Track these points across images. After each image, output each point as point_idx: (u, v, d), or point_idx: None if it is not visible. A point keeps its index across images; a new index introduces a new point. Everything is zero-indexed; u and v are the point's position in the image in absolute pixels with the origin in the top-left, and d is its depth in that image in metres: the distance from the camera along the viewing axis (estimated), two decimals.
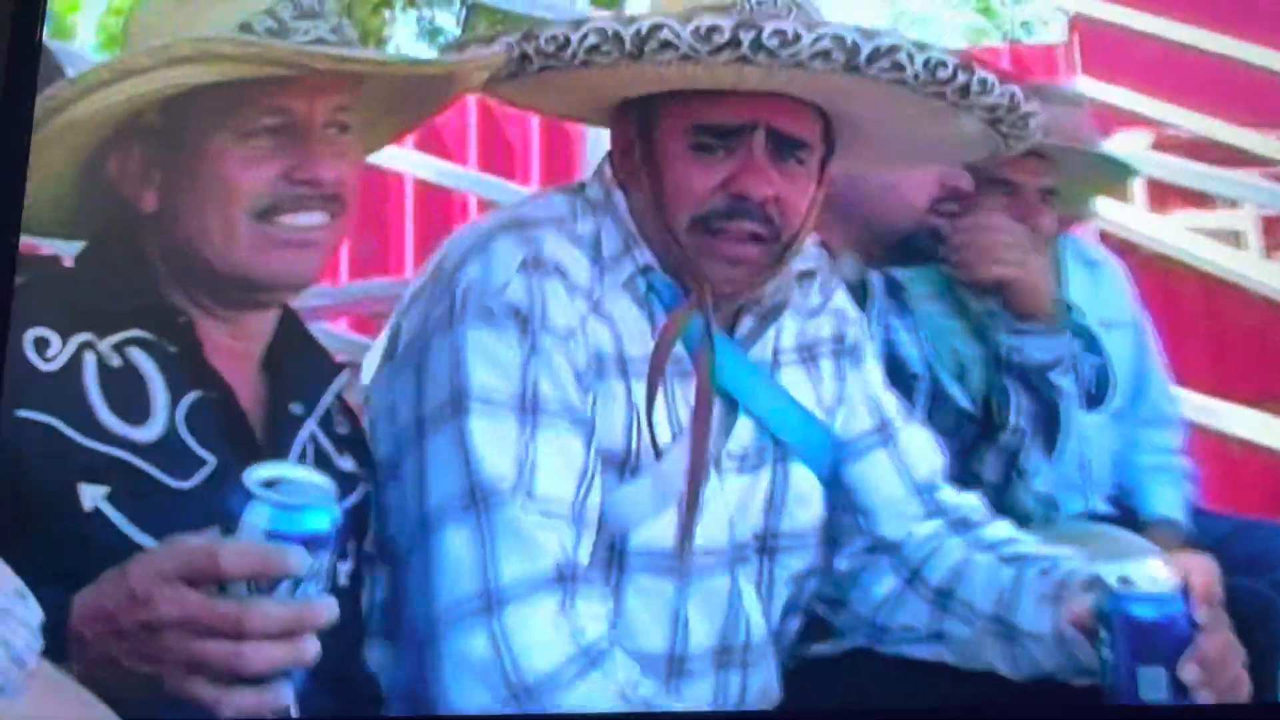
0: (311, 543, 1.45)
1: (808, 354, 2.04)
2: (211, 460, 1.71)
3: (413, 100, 1.94)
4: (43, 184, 1.81)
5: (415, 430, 1.83)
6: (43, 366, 1.69)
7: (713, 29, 1.76)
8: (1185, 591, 1.74)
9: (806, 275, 2.04)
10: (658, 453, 1.87)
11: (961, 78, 1.83)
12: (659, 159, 1.89)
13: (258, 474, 1.46)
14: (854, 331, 2.11)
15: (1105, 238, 2.89)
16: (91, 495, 1.65)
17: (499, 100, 2.05)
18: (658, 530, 1.88)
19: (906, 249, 2.42)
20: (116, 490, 1.66)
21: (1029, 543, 2.01)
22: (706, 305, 1.87)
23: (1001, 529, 2.05)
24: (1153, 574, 1.75)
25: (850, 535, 2.04)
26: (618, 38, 1.77)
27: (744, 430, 1.97)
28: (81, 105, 1.73)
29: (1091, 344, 2.57)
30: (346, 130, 1.82)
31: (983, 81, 1.85)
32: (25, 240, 1.94)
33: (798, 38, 1.76)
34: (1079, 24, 3.28)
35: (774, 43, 1.76)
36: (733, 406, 1.95)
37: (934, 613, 2.00)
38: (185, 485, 1.69)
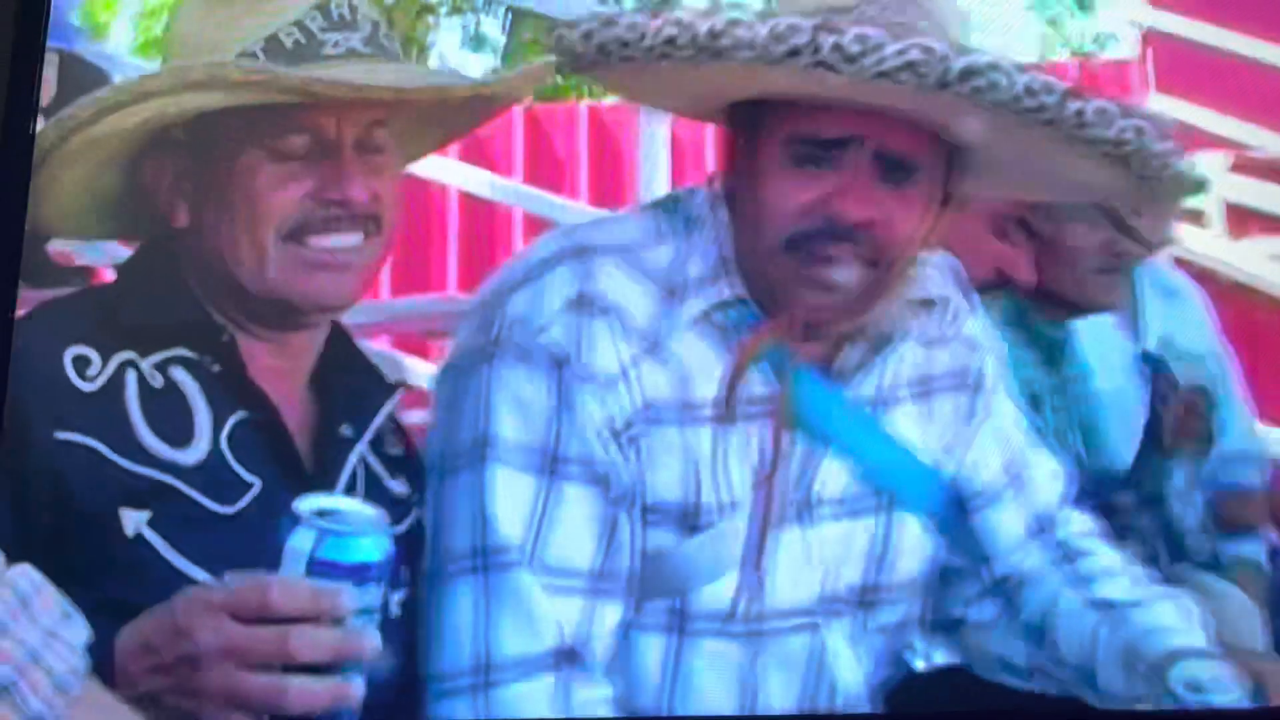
0: (359, 572, 1.42)
1: (921, 389, 1.92)
2: (257, 484, 1.69)
3: (455, 113, 1.90)
4: (74, 193, 1.79)
5: (439, 464, 1.79)
6: (83, 386, 1.67)
7: (791, 29, 1.65)
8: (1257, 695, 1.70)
9: (926, 304, 1.91)
10: (720, 504, 1.79)
11: (1073, 105, 1.68)
12: (758, 170, 1.79)
13: (307, 503, 1.43)
14: (987, 364, 1.99)
15: (1181, 264, 2.81)
16: (133, 520, 1.63)
17: (604, 87, 1.98)
18: (723, 590, 1.79)
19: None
20: (159, 515, 1.63)
21: (1120, 579, 1.95)
22: (790, 333, 1.78)
23: (1099, 561, 1.97)
24: (1223, 685, 1.73)
25: (970, 582, 1.97)
26: (693, 30, 1.68)
27: (838, 473, 1.86)
28: (100, 126, 1.71)
29: (1162, 367, 2.51)
30: (382, 146, 1.78)
31: (1101, 111, 1.69)
32: (61, 246, 1.93)
33: (880, 45, 1.64)
34: (1152, 39, 3.21)
35: (855, 49, 1.64)
36: (822, 447, 1.84)
37: (1029, 650, 1.93)
38: (230, 510, 1.66)
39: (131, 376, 1.69)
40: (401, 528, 1.77)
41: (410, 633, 1.78)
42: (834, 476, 1.85)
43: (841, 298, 1.77)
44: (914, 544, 1.90)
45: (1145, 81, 3.13)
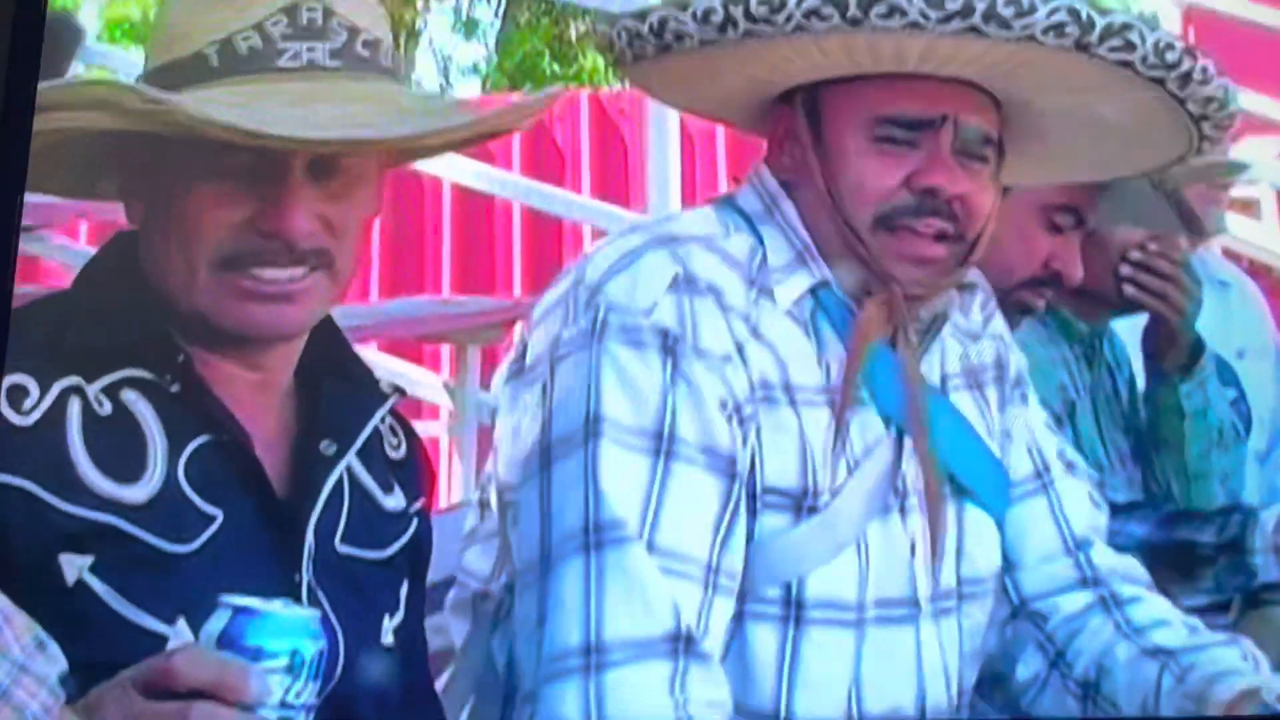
0: (277, 656, 1.32)
1: (973, 379, 1.95)
2: (218, 515, 1.59)
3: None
4: (53, 151, 1.69)
5: (540, 458, 1.75)
6: (17, 420, 1.57)
7: None
8: None
9: (968, 288, 1.94)
10: (832, 488, 1.79)
11: (1186, 63, 1.75)
12: (833, 152, 1.81)
13: (234, 598, 1.35)
14: (1016, 360, 2.02)
15: (1231, 257, 2.69)
16: (75, 567, 1.53)
17: (633, 85, 1.97)
18: (836, 577, 1.78)
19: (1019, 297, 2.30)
20: (103, 559, 1.53)
21: (1177, 627, 1.93)
22: (900, 310, 1.80)
23: (1151, 609, 1.95)
24: None
25: (998, 600, 1.94)
26: (842, 2, 1.70)
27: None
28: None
29: (1226, 375, 2.47)
30: (340, 170, 1.63)
31: (1204, 70, 1.77)
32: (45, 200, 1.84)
33: (1033, 8, 1.69)
34: (1194, 16, 3.13)
35: (1009, 12, 1.69)
36: (902, 434, 1.84)
37: (1081, 706, 1.90)
38: (186, 548, 1.57)
39: (75, 406, 1.58)
40: (399, 544, 1.72)
41: (407, 660, 1.72)
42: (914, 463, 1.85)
43: (934, 271, 1.81)
44: (988, 537, 1.91)
45: None
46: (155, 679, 1.30)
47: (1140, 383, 2.46)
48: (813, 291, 1.81)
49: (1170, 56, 1.74)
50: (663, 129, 3.07)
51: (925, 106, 1.79)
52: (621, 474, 1.69)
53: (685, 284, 1.75)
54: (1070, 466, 2.03)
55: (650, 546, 1.68)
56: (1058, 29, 1.69)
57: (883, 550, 1.80)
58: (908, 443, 1.82)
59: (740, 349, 1.76)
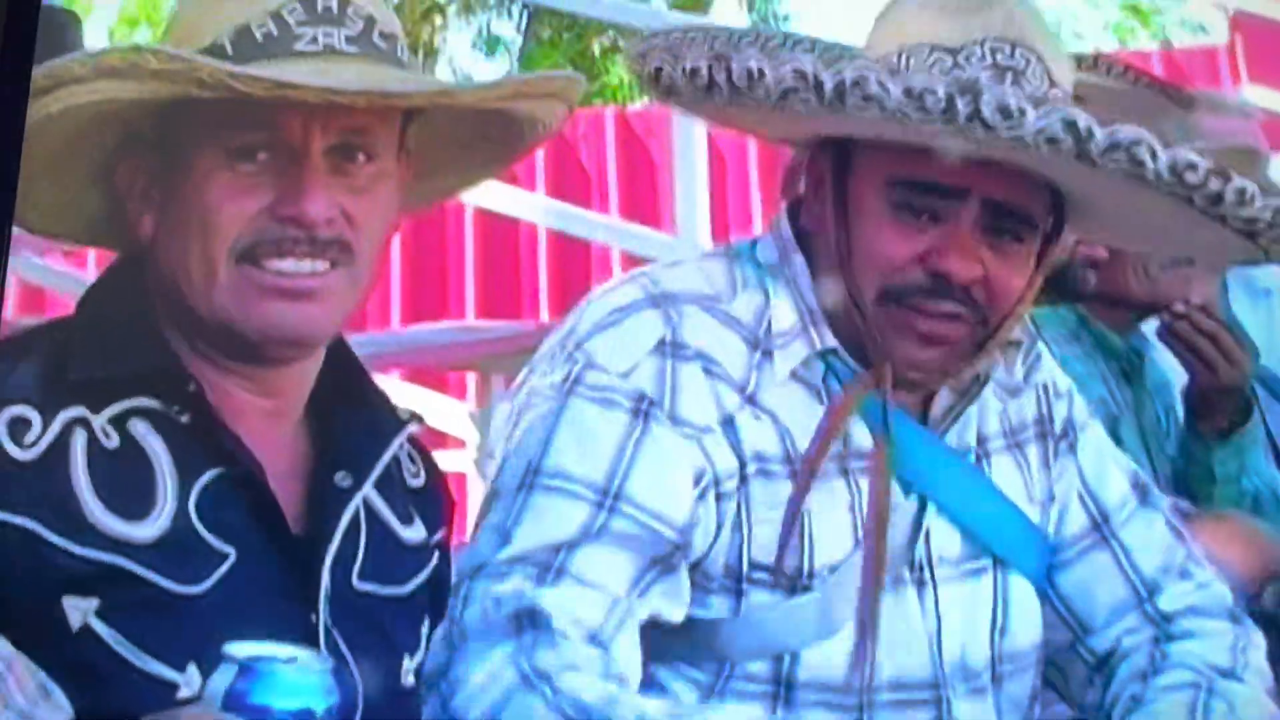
0: (278, 717, 1.30)
1: (1013, 439, 1.89)
2: (231, 553, 1.55)
3: (469, 131, 1.73)
4: (49, 183, 1.65)
5: (484, 502, 1.76)
6: (19, 455, 1.52)
7: (926, 92, 1.63)
8: None
9: (1011, 345, 1.88)
10: (829, 564, 1.75)
11: (1214, 185, 1.66)
12: (851, 210, 1.75)
13: (240, 646, 1.33)
14: (1063, 409, 1.94)
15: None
16: (79, 610, 1.49)
17: (694, 115, 1.95)
18: (833, 658, 1.75)
19: (1057, 285, 2.27)
20: (109, 603, 1.50)
21: (1178, 672, 1.87)
22: (884, 386, 1.74)
23: (1184, 649, 1.89)
24: None
25: (1070, 659, 1.91)
26: (818, 86, 1.66)
27: (948, 531, 1.82)
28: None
29: (1274, 388, 2.45)
30: (369, 157, 1.61)
31: (1240, 191, 1.67)
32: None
33: (1022, 115, 1.62)
34: (1241, 23, 3.04)
35: (996, 119, 1.62)
36: (928, 502, 1.81)
37: None
38: (197, 589, 1.53)
39: (80, 438, 1.54)
40: (419, 579, 1.69)
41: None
42: (945, 534, 1.82)
43: (939, 354, 1.76)
44: (1031, 607, 1.87)
45: (1235, 70, 2.99)
46: None
47: (1178, 414, 2.42)
48: (818, 358, 1.77)
49: (1191, 178, 1.64)
50: (689, 147, 3.00)
51: (946, 176, 1.70)
52: (547, 519, 1.68)
53: (672, 348, 1.73)
54: (1145, 494, 1.97)
55: (561, 570, 1.66)
56: (1050, 140, 1.62)
57: (895, 628, 1.76)
58: (931, 513, 1.79)
59: (729, 421, 1.73)
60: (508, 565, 1.67)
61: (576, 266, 3.59)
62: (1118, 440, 2.24)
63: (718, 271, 1.80)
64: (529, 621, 1.65)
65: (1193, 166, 1.64)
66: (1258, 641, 1.90)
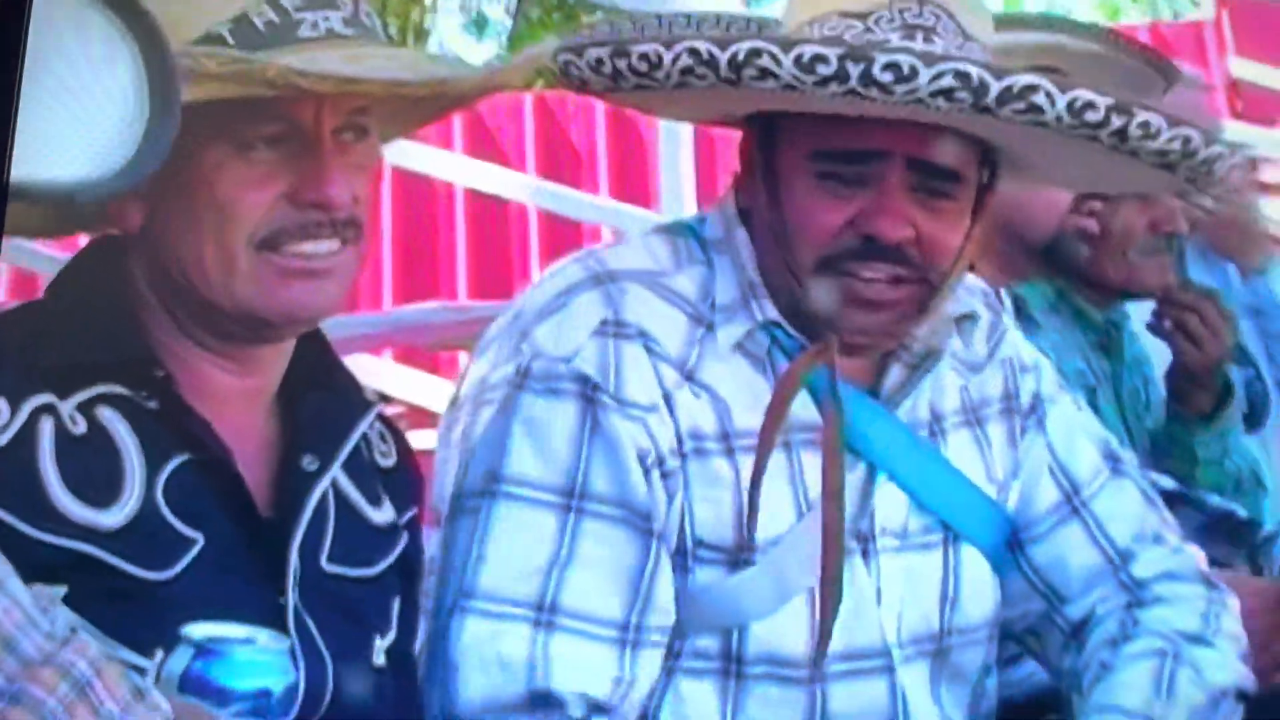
0: (245, 699, 1.32)
1: (973, 416, 1.89)
2: (199, 539, 1.54)
3: (449, 98, 1.76)
4: None
5: (449, 505, 1.76)
6: None
7: (817, 59, 1.64)
8: None
9: (966, 319, 1.88)
10: (774, 538, 1.75)
11: (1117, 122, 1.66)
12: (780, 186, 1.76)
13: (198, 628, 1.35)
14: (1031, 384, 1.95)
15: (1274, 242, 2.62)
16: (46, 598, 1.44)
17: (615, 103, 1.95)
18: (782, 632, 1.76)
19: (1050, 257, 2.33)
20: (77, 590, 1.49)
21: (1148, 640, 1.88)
22: (832, 357, 1.74)
23: (1152, 616, 1.90)
24: None
25: (1047, 627, 1.92)
26: (712, 61, 1.66)
27: (897, 502, 1.83)
28: None
29: (1240, 356, 2.46)
30: (365, 135, 1.63)
31: (1144, 125, 1.67)
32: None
33: (914, 73, 1.62)
34: None
35: (887, 78, 1.63)
36: (877, 473, 1.81)
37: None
38: (165, 575, 1.52)
39: (47, 425, 1.53)
40: (388, 561, 1.69)
41: (399, 680, 1.69)
42: (894, 506, 1.83)
43: (888, 317, 1.76)
44: (983, 581, 1.87)
45: (1222, 44, 2.98)
46: None
47: (1158, 390, 2.43)
48: (760, 330, 1.78)
49: (1092, 116, 1.64)
50: (675, 126, 3.00)
51: (868, 142, 1.71)
52: (520, 535, 1.70)
53: (614, 327, 1.74)
54: (1116, 463, 1.97)
55: (554, 607, 1.69)
56: (946, 94, 1.62)
57: (845, 598, 1.75)
58: (881, 482, 1.80)
59: (668, 399, 1.73)
60: (496, 605, 1.69)
61: (567, 246, 3.59)
62: (1096, 411, 2.24)
63: (662, 247, 1.81)
64: (541, 699, 1.67)
65: (1092, 105, 1.64)
66: (1231, 605, 1.91)
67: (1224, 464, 2.38)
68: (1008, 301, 2.22)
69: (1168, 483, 2.23)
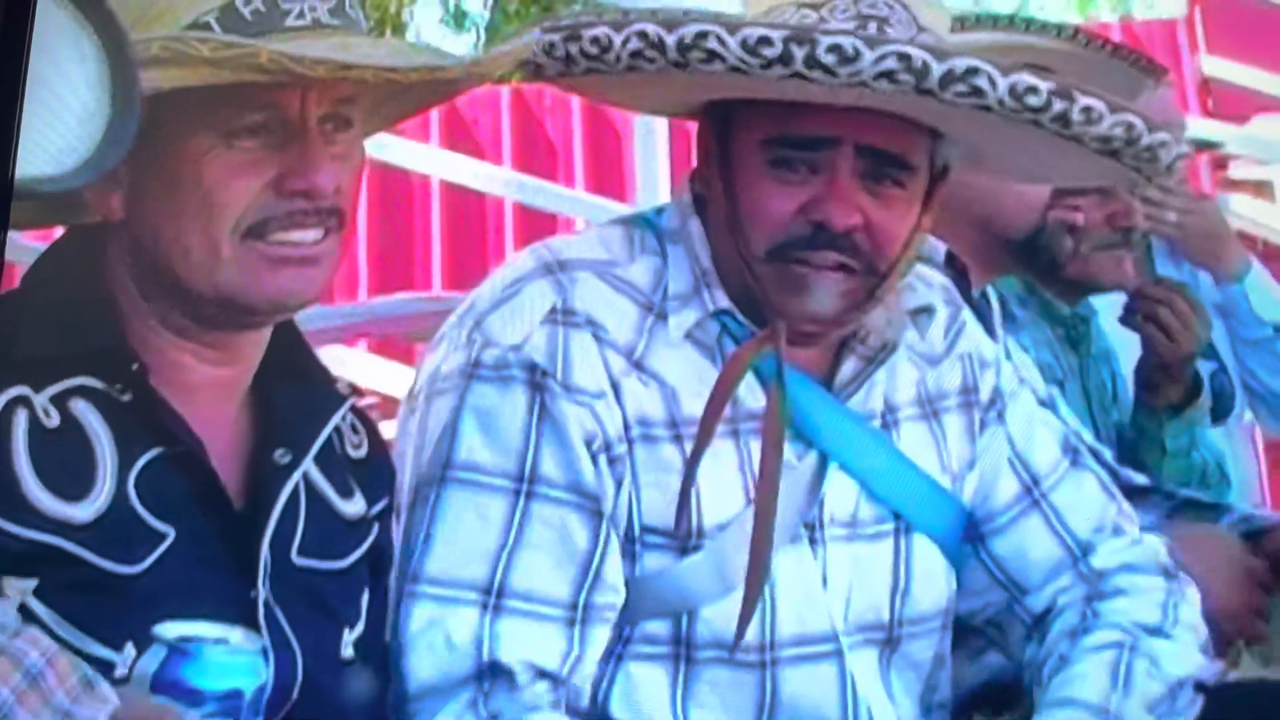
0: (216, 700, 1.32)
1: (929, 408, 1.90)
2: (170, 533, 1.55)
3: (430, 90, 1.75)
4: None
5: (409, 495, 1.77)
6: None
7: (762, 41, 1.65)
8: None
9: (922, 312, 1.89)
10: (719, 523, 1.76)
11: (1058, 106, 1.66)
12: (734, 174, 1.76)
13: (170, 627, 1.35)
14: (991, 378, 1.95)
15: (1246, 240, 2.64)
16: (17, 590, 1.48)
17: (574, 92, 1.95)
18: (731, 616, 1.75)
19: (1030, 251, 2.31)
20: (47, 583, 1.49)
21: (1105, 633, 1.88)
22: (780, 343, 1.74)
23: (1112, 608, 1.91)
24: None
25: (1009, 619, 1.93)
26: (660, 44, 1.68)
27: (846, 491, 1.83)
28: None
29: (1207, 350, 2.47)
30: (349, 126, 1.63)
31: (1086, 110, 1.67)
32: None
33: (857, 55, 1.63)
34: None
35: (830, 59, 1.64)
36: (826, 462, 1.81)
37: None
38: (134, 569, 1.52)
39: (21, 416, 1.53)
40: (358, 553, 1.69)
41: (368, 671, 1.70)
42: (843, 495, 1.83)
43: (833, 305, 1.76)
44: (935, 572, 1.87)
45: (1194, 41, 2.99)
46: None
47: (1125, 384, 2.45)
48: (711, 319, 1.78)
49: (1033, 100, 1.64)
50: (649, 121, 3.01)
51: (820, 128, 1.71)
52: (469, 520, 1.71)
53: (563, 315, 1.75)
54: (1076, 456, 1.98)
55: (502, 590, 1.70)
56: (889, 76, 1.63)
57: (794, 585, 1.77)
58: (832, 471, 1.80)
59: (615, 386, 1.75)
60: (445, 590, 1.70)
61: (543, 239, 3.61)
62: (1069, 400, 2.30)
63: (616, 238, 1.82)
64: (489, 670, 1.69)
65: (1034, 90, 1.64)
66: (1190, 596, 1.92)
67: (1191, 456, 2.40)
68: (995, 300, 2.29)
69: (1140, 479, 2.24)
